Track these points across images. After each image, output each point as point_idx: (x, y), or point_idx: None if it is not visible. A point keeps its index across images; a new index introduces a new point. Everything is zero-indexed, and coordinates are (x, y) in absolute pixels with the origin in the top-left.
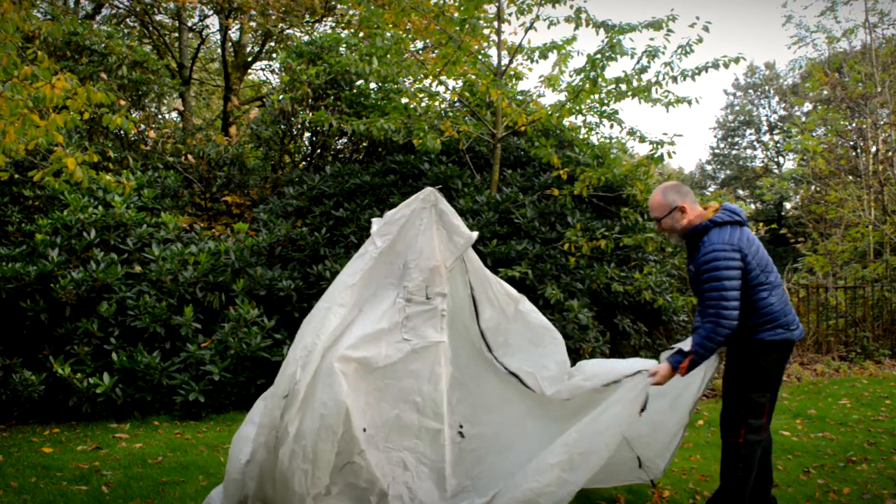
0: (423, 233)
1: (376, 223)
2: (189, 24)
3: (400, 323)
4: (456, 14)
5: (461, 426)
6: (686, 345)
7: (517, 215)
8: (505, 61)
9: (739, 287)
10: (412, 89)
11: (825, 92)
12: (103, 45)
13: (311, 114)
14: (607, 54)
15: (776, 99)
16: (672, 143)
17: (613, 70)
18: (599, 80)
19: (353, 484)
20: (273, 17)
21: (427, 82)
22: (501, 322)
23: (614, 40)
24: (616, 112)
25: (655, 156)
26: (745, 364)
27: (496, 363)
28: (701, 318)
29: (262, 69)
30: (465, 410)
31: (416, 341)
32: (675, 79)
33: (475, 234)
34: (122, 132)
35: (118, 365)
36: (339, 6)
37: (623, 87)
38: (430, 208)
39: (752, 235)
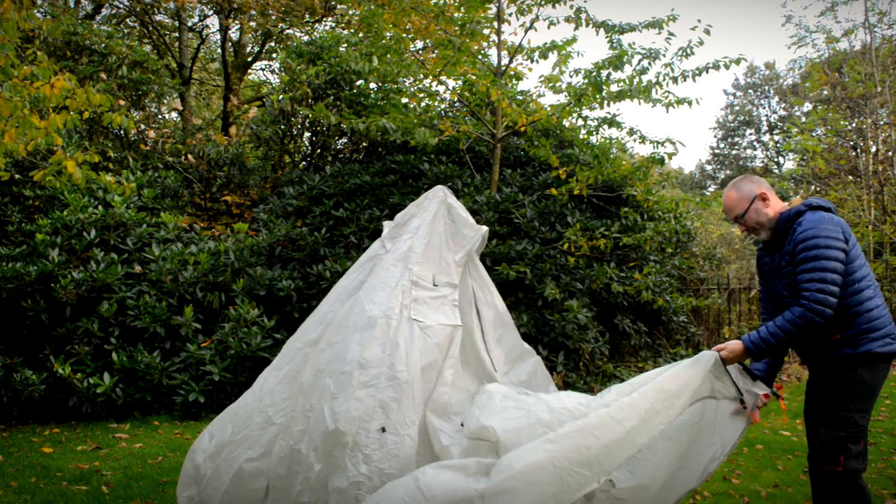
0: (430, 223)
1: (387, 226)
2: (189, 24)
3: (406, 305)
4: (456, 14)
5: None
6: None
7: (517, 215)
8: (505, 61)
9: (842, 272)
10: (412, 89)
11: (825, 92)
12: (103, 45)
13: (312, 107)
14: (615, 62)
15: (776, 99)
16: (673, 143)
17: (615, 75)
18: (603, 86)
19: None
20: (273, 17)
21: (427, 82)
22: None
23: (616, 44)
24: (616, 117)
25: (657, 157)
26: (848, 379)
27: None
28: (769, 307)
29: (262, 69)
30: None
31: (427, 322)
32: (675, 80)
33: (485, 229)
34: (122, 132)
35: (118, 365)
36: (339, 6)
37: (624, 88)
38: (438, 202)
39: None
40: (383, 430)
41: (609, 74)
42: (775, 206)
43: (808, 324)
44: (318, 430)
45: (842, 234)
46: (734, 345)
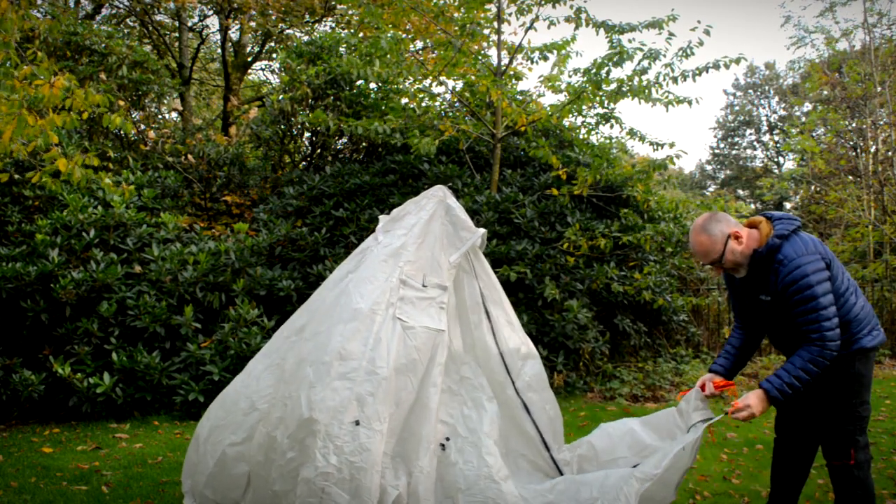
0: (426, 222)
1: (383, 219)
2: (189, 24)
3: (392, 303)
4: (456, 14)
5: (447, 438)
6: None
7: (517, 215)
8: (505, 61)
9: (833, 300)
10: (412, 90)
11: (825, 92)
12: (103, 45)
13: (309, 114)
14: (614, 59)
15: (776, 99)
16: (671, 146)
17: (615, 72)
18: (602, 84)
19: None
20: (273, 17)
21: (427, 82)
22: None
23: (616, 43)
24: (613, 114)
25: (658, 162)
26: (846, 376)
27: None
28: (775, 344)
29: (262, 69)
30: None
31: (411, 323)
32: (675, 79)
33: (483, 231)
34: (121, 132)
35: (118, 365)
36: (339, 6)
37: (624, 87)
38: (436, 202)
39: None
40: (357, 423)
41: (609, 71)
42: (748, 242)
43: (827, 360)
44: (294, 418)
45: (821, 259)
46: (757, 401)
